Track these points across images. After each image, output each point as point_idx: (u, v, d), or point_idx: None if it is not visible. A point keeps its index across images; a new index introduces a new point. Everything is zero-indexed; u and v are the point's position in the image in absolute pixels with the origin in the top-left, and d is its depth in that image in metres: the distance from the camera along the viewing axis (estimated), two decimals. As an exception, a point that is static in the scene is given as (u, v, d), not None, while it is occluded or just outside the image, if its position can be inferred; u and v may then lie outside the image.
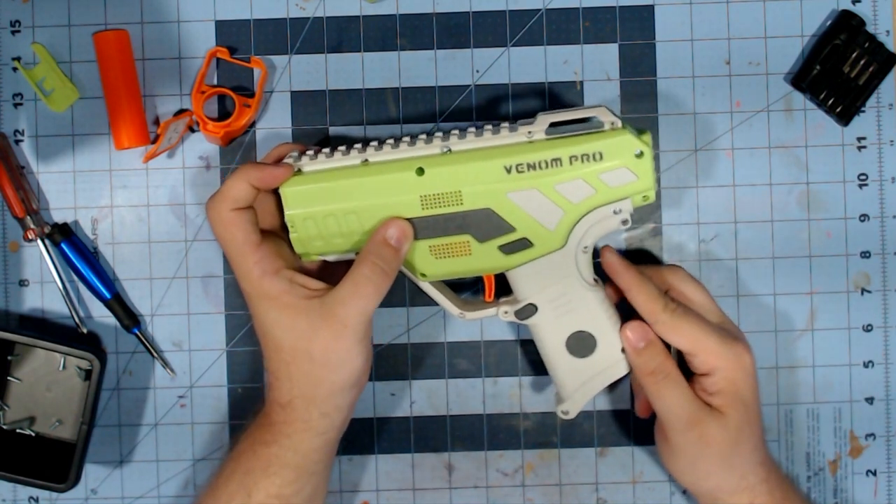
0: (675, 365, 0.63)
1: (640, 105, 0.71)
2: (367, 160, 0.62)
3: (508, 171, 0.60)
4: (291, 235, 0.63)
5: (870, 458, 0.72)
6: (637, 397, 0.69)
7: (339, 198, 0.62)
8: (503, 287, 0.66)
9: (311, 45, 0.71)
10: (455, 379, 0.72)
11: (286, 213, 0.63)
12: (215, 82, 0.71)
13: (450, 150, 0.61)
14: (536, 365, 0.71)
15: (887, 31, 0.71)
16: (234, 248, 0.61)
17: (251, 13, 0.71)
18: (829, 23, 0.71)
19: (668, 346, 0.64)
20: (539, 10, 0.71)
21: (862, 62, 0.70)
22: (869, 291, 0.72)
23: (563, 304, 0.63)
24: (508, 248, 0.62)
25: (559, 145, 0.60)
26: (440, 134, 0.63)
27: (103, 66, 0.69)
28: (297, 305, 0.60)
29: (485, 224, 0.61)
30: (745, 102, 0.71)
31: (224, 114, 0.71)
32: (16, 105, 0.71)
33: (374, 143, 0.63)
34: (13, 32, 0.70)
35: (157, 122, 0.71)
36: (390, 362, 0.72)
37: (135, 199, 0.71)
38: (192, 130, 0.71)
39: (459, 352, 0.72)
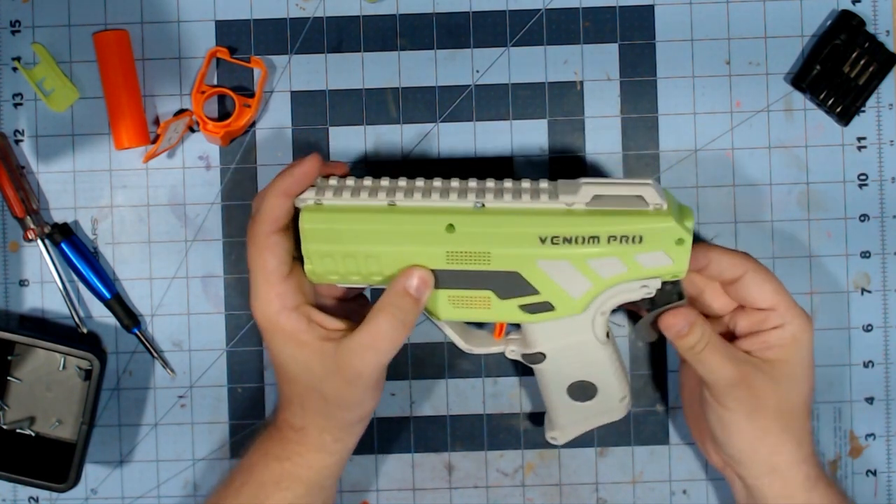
0: (713, 332, 0.62)
1: (640, 105, 0.71)
2: (394, 203, 0.59)
3: (543, 241, 0.57)
4: (306, 267, 0.60)
5: (870, 458, 0.72)
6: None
7: (361, 240, 0.59)
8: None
9: (311, 45, 0.71)
10: (455, 379, 0.72)
11: (304, 246, 0.59)
12: (215, 82, 0.71)
13: (483, 206, 0.58)
14: (536, 365, 0.72)
15: (887, 31, 0.71)
16: (263, 275, 0.60)
17: (251, 13, 0.71)
18: (829, 23, 0.71)
19: None
20: (539, 10, 0.71)
21: (862, 62, 0.70)
22: (869, 291, 0.72)
23: (572, 356, 0.62)
24: (529, 309, 0.60)
25: (599, 223, 0.57)
26: (474, 184, 0.60)
27: (103, 66, 0.69)
28: (313, 345, 0.59)
29: (509, 284, 0.59)
30: (745, 102, 0.71)
31: (224, 114, 0.71)
32: (16, 105, 0.71)
33: (403, 185, 0.59)
34: (13, 32, 0.70)
35: (157, 122, 0.71)
36: (390, 362, 0.71)
37: (135, 199, 0.71)
38: (192, 130, 0.71)
39: (459, 352, 0.72)
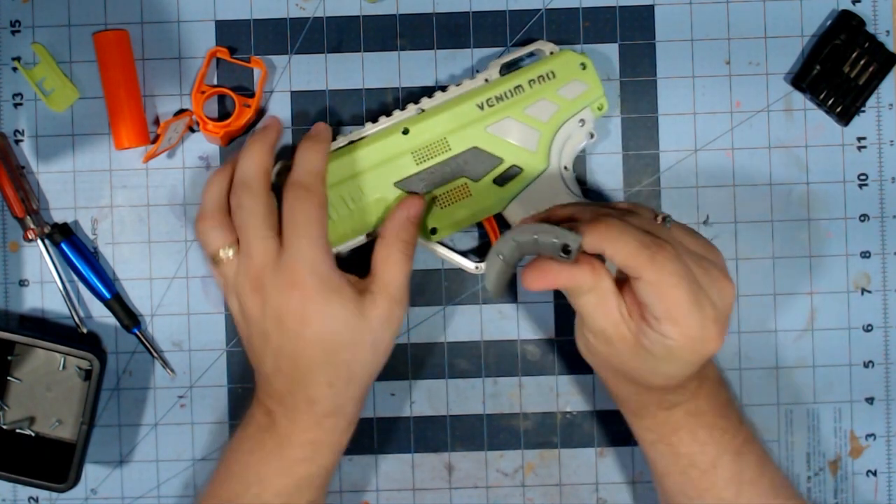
0: (609, 284, 0.56)
1: (640, 105, 0.71)
2: (352, 141, 0.67)
3: (481, 107, 0.67)
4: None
5: (870, 459, 0.72)
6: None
7: (339, 175, 0.66)
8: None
9: (311, 45, 0.71)
10: (455, 379, 0.72)
11: None
12: (215, 82, 0.71)
13: (423, 110, 0.67)
14: (536, 365, 0.71)
15: (887, 31, 0.71)
16: (318, 228, 0.62)
17: (251, 13, 0.71)
18: (829, 23, 0.71)
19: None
20: (539, 10, 0.71)
21: (862, 62, 0.70)
22: (869, 291, 0.72)
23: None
24: (502, 179, 0.67)
25: (517, 76, 0.67)
26: (411, 104, 0.68)
27: (103, 66, 0.69)
28: (355, 298, 0.62)
29: (475, 163, 0.67)
30: (745, 102, 0.71)
31: (224, 114, 0.71)
32: (16, 105, 0.71)
33: (354, 129, 0.68)
34: (13, 32, 0.70)
35: (157, 122, 0.71)
36: (390, 362, 0.71)
37: (135, 199, 0.71)
38: (192, 130, 0.71)
39: (459, 352, 0.72)
